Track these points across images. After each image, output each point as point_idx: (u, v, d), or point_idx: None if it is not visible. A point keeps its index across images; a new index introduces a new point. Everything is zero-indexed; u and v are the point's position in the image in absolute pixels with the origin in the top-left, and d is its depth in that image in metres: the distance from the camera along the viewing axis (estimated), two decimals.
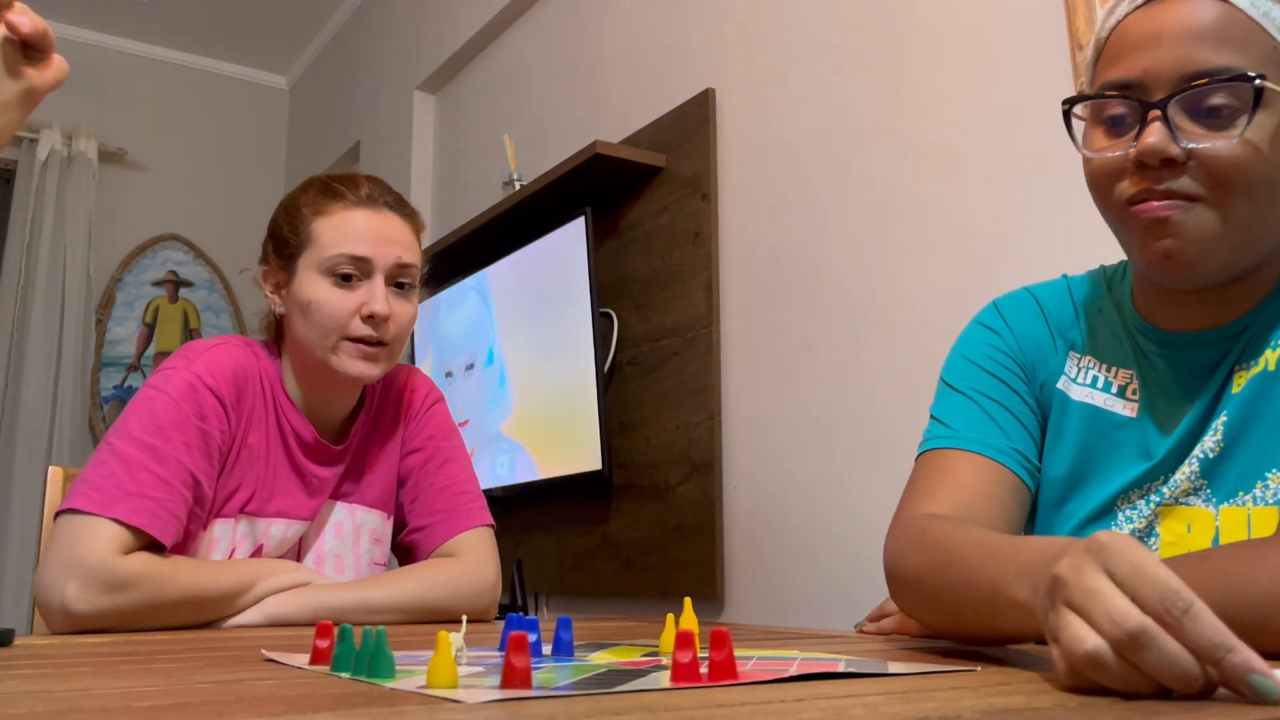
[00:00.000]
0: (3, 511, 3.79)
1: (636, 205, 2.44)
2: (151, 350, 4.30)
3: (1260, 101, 0.76)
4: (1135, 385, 0.90)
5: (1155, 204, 0.79)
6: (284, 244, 1.30)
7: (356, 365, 1.27)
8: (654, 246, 2.37)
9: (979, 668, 0.60)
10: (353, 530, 1.37)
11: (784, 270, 2.05)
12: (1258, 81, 0.76)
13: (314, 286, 1.26)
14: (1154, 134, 0.78)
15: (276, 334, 1.36)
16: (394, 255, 1.28)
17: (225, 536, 1.27)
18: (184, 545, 1.22)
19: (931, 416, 0.97)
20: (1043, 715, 0.42)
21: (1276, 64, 0.78)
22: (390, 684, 0.53)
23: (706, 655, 0.54)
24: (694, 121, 2.28)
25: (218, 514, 1.26)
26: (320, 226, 1.27)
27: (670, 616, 0.77)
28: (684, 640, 0.53)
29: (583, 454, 2.35)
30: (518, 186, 2.72)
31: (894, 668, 0.59)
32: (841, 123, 1.96)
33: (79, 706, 0.47)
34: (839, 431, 1.88)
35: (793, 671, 0.55)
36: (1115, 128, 0.82)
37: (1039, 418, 0.96)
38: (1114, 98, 0.81)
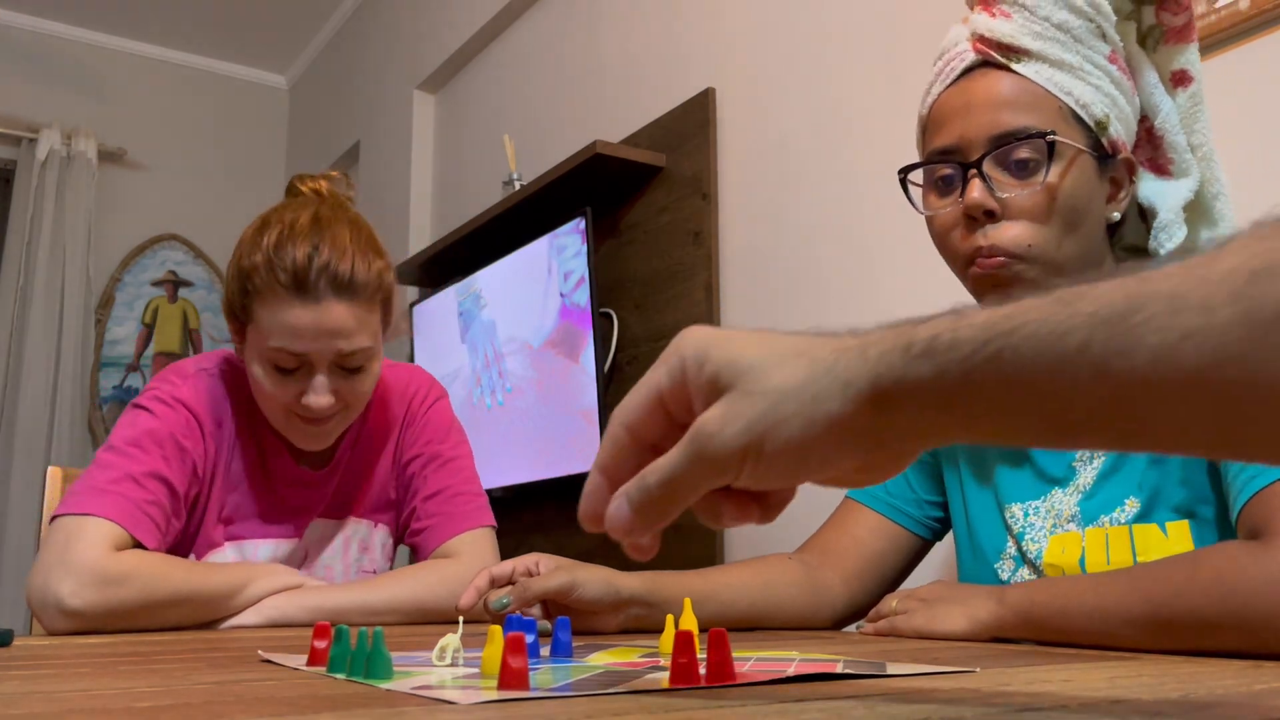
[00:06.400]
0: (1, 511, 3.78)
1: (636, 205, 2.44)
2: (151, 350, 4.30)
3: (1054, 153, 0.91)
4: None
5: (986, 261, 0.93)
6: (233, 308, 1.26)
7: (305, 440, 1.28)
8: (654, 246, 2.37)
9: (979, 668, 0.60)
10: (343, 542, 1.38)
11: (784, 270, 2.05)
12: (1049, 137, 0.91)
13: (258, 367, 1.23)
14: (975, 190, 0.93)
15: None
16: (333, 349, 1.20)
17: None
18: None
19: None
20: (1043, 716, 0.42)
21: (1065, 118, 0.93)
22: (387, 685, 0.52)
23: (704, 656, 0.54)
24: (694, 121, 2.28)
25: (209, 547, 1.29)
26: (260, 311, 1.20)
27: (670, 617, 0.78)
28: (683, 641, 0.53)
29: (583, 454, 2.35)
30: (518, 186, 2.72)
31: (893, 668, 0.59)
32: (841, 122, 1.95)
33: (79, 707, 0.46)
34: None
35: (791, 672, 0.55)
36: (946, 187, 0.96)
37: (929, 462, 1.13)
38: (940, 162, 0.96)
